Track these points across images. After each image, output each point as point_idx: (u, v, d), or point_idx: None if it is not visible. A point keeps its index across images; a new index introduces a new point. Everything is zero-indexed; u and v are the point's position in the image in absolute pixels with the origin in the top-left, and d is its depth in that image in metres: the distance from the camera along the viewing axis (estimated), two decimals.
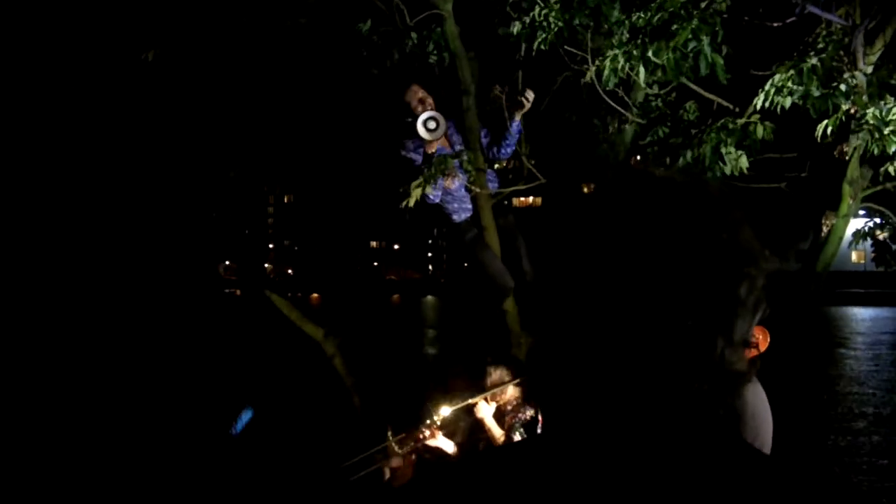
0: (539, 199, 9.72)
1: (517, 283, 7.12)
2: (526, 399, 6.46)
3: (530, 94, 6.94)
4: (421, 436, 6.30)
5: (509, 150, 7.15)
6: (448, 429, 6.40)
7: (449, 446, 6.35)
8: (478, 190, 6.97)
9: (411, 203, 6.63)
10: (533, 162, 7.35)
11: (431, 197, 6.81)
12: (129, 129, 8.93)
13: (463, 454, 6.30)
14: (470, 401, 6.31)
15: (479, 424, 6.36)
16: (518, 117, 6.99)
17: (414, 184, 6.57)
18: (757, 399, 4.22)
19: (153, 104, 8.49)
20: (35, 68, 8.23)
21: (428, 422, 6.29)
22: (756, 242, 1.17)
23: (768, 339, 3.66)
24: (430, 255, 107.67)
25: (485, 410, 6.31)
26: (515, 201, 7.79)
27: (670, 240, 1.14)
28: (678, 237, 1.15)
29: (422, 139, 6.80)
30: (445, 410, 6.30)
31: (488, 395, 6.34)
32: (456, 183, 6.88)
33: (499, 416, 6.37)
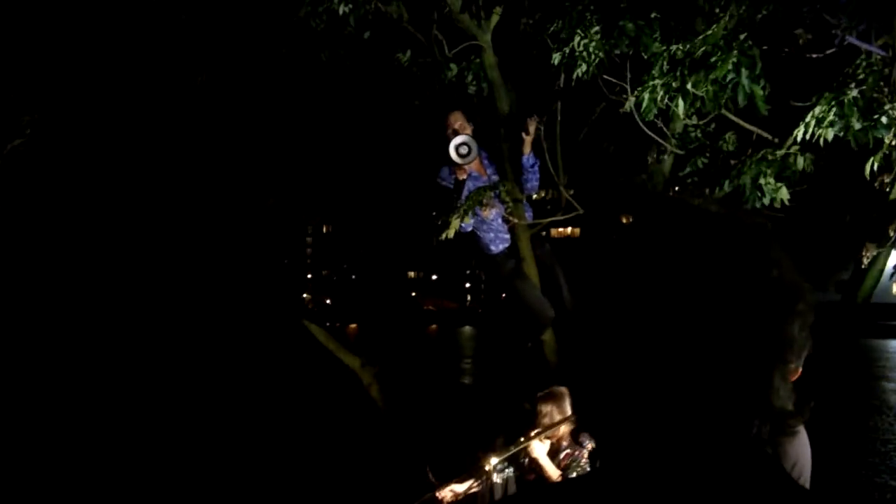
0: (577, 230, 9.72)
1: (556, 313, 7.09)
2: (578, 431, 6.13)
3: (531, 126, 6.95)
4: (472, 486, 5.96)
5: (532, 184, 7.15)
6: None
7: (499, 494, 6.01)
8: (515, 221, 6.97)
9: (450, 234, 6.64)
10: (571, 192, 7.34)
11: (464, 226, 6.82)
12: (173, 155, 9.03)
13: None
14: (522, 442, 5.92)
15: (534, 464, 6.03)
16: (527, 151, 7.01)
17: (453, 216, 6.58)
18: (800, 443, 4.16)
19: (203, 129, 8.58)
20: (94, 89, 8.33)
21: (479, 473, 5.88)
22: (799, 277, 1.16)
23: (799, 371, 3.63)
24: (467, 285, 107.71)
25: (539, 450, 5.99)
26: (553, 232, 7.78)
27: (712, 274, 1.13)
28: (720, 272, 1.14)
29: (454, 165, 6.83)
30: (495, 459, 5.86)
31: (541, 433, 5.96)
32: (493, 213, 6.89)
33: (552, 453, 6.07)
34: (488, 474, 5.92)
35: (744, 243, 1.15)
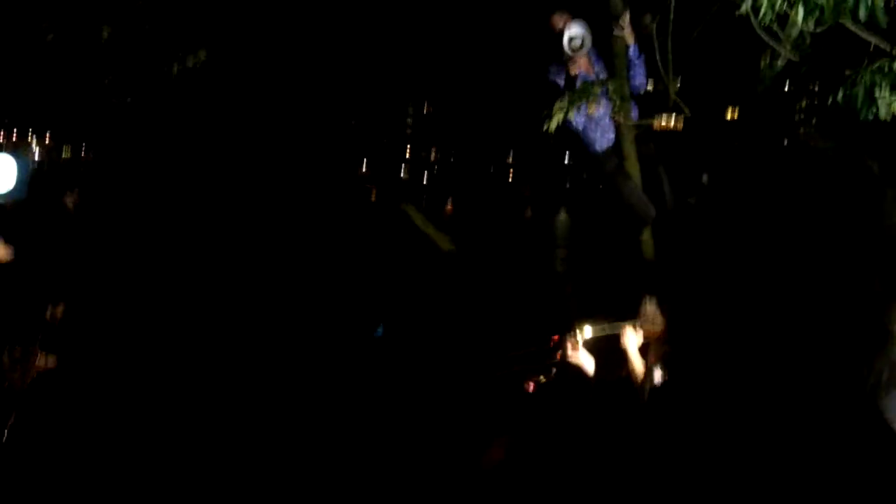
0: (680, 124, 9.60)
1: (657, 212, 7.09)
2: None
3: (625, 19, 6.86)
4: (565, 349, 6.05)
5: (639, 80, 7.08)
6: (588, 349, 6.09)
7: (590, 366, 6.06)
8: (621, 119, 6.94)
9: (552, 127, 6.64)
10: (678, 86, 7.27)
11: (574, 123, 6.81)
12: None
13: (599, 381, 6.05)
14: (616, 324, 5.99)
15: (622, 354, 6.01)
16: (631, 41, 6.94)
17: (557, 105, 6.56)
18: None
19: None
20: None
21: (571, 338, 6.01)
22: None
23: None
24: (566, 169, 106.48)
25: (631, 340, 5.97)
26: (656, 124, 7.69)
27: (832, 219, 1.12)
28: (839, 217, 1.13)
29: (565, 61, 6.79)
30: (589, 330, 6.00)
31: (638, 323, 5.98)
32: (600, 110, 6.86)
33: (643, 350, 6.01)
34: (577, 342, 6.01)
35: (864, 190, 1.13)
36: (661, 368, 5.82)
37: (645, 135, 7.41)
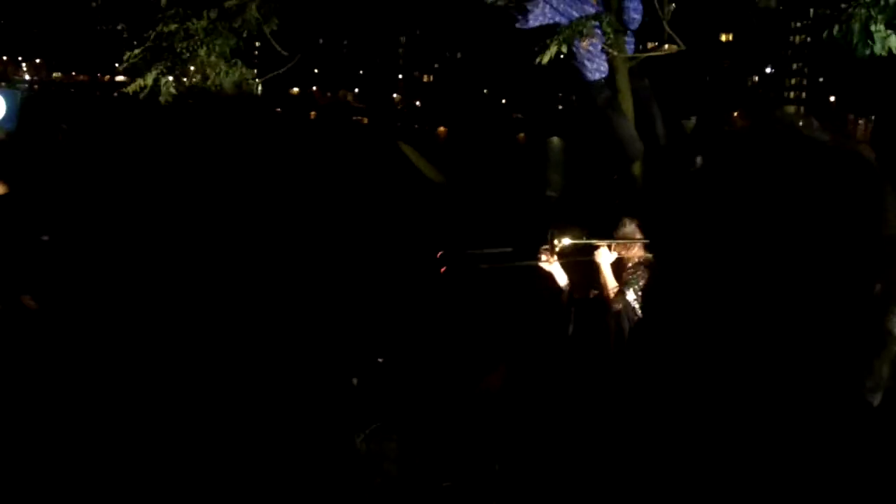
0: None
1: (648, 147, 7.08)
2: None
3: None
4: (539, 258, 6.20)
5: (633, 15, 7.03)
6: (564, 261, 6.24)
7: (562, 278, 6.20)
8: (615, 53, 6.89)
9: (545, 60, 6.63)
10: (669, 16, 7.21)
11: (568, 55, 6.78)
12: None
13: (570, 295, 6.22)
14: (594, 241, 6.10)
15: (596, 270, 6.13)
16: None
17: (551, 41, 6.54)
18: None
19: None
20: None
21: (547, 246, 6.15)
22: None
23: None
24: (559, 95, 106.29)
25: (605, 257, 6.08)
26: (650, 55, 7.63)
27: (818, 225, 1.05)
28: (827, 223, 1.05)
29: None
30: (567, 240, 6.11)
31: (614, 243, 6.12)
32: (592, 42, 6.82)
33: (616, 269, 6.16)
34: (553, 249, 6.12)
35: (855, 190, 1.06)
36: (635, 292, 5.98)
37: (640, 69, 7.37)
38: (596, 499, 1.23)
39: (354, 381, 6.77)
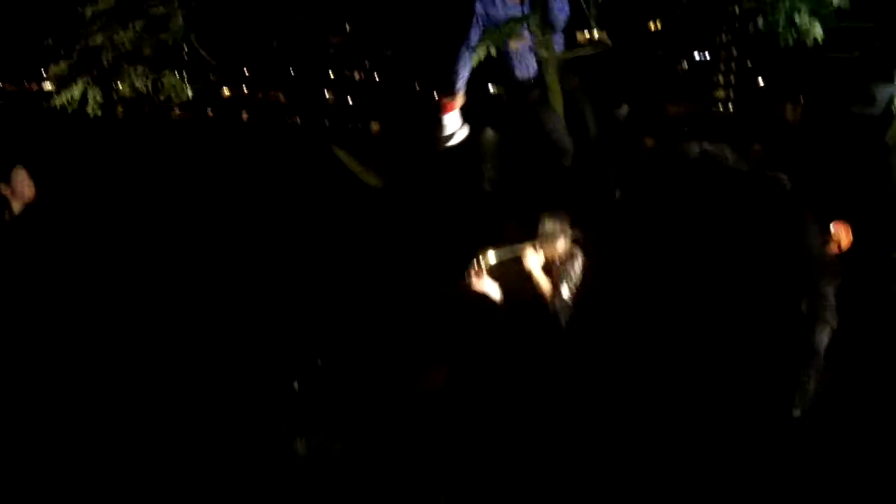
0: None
1: (579, 146, 7.12)
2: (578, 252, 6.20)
3: None
4: (466, 278, 6.07)
5: (561, 14, 7.06)
6: (493, 276, 6.12)
7: (495, 293, 6.03)
8: (544, 53, 6.92)
9: (475, 62, 6.67)
10: (595, 14, 7.27)
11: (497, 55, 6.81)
12: None
13: (509, 305, 6.17)
14: (517, 247, 6.17)
15: (527, 275, 6.17)
16: None
17: (479, 46, 6.57)
18: None
19: None
20: None
21: (475, 266, 6.07)
22: (826, 253, 1.15)
23: (850, 237, 3.65)
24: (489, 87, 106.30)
25: (532, 260, 6.15)
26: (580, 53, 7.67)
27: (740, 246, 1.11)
28: (748, 246, 1.11)
29: None
30: (492, 255, 6.08)
31: (537, 243, 6.18)
32: (521, 45, 6.84)
33: (547, 269, 6.19)
34: (480, 269, 6.02)
35: (778, 215, 1.12)
36: (568, 286, 6.00)
37: (570, 65, 7.40)
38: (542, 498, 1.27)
39: (295, 385, 6.73)
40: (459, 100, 7.00)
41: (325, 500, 5.80)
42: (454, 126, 7.02)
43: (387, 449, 6.08)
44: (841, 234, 6.05)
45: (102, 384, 6.46)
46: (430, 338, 6.76)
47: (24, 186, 7.00)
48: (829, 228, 5.63)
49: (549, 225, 6.24)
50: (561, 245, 6.23)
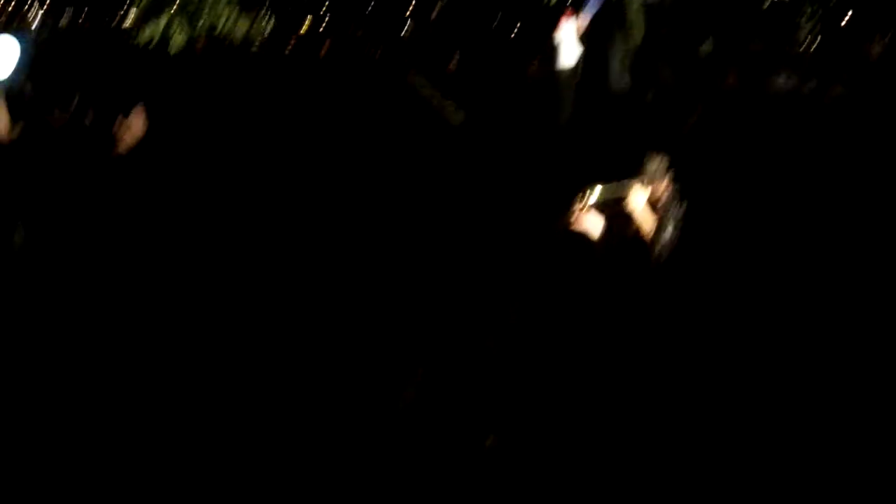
0: None
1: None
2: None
3: None
4: (570, 215, 5.73)
5: None
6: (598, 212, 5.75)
7: (598, 230, 5.69)
8: None
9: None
10: None
11: None
12: None
13: (609, 244, 5.74)
14: (624, 183, 5.79)
15: (629, 216, 5.82)
16: None
17: None
18: None
19: None
20: None
21: (578, 202, 5.70)
22: None
23: None
24: None
25: (638, 198, 5.81)
26: None
27: None
28: None
29: None
30: (598, 191, 5.68)
31: (645, 179, 5.84)
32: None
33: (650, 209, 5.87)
34: (585, 206, 5.68)
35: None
36: (672, 226, 5.75)
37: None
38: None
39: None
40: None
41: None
42: (569, 37, 6.86)
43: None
44: None
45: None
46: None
47: (138, 126, 6.93)
48: None
49: (654, 163, 5.95)
50: (665, 184, 5.93)
